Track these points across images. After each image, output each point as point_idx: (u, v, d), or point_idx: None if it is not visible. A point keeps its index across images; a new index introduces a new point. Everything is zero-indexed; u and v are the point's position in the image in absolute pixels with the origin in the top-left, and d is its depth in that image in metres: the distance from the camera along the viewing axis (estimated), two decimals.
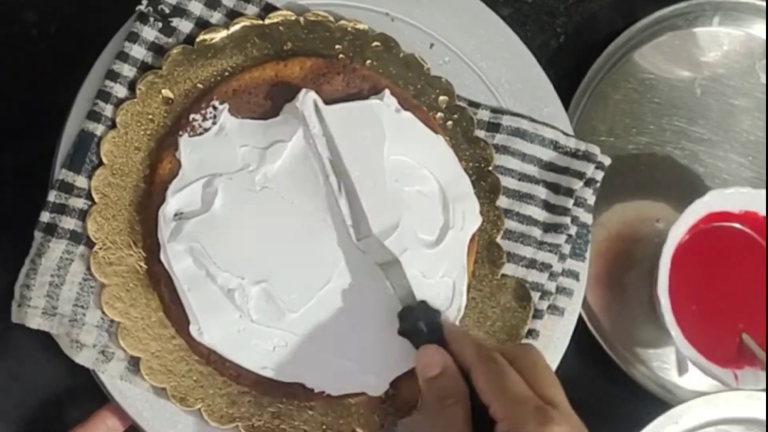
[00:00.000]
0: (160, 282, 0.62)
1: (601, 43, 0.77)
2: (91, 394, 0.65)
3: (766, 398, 0.70)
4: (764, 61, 0.80)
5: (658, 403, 0.73)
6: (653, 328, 0.74)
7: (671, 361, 0.76)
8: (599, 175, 0.70)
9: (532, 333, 0.68)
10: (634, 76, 0.79)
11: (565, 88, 0.74)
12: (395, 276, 0.61)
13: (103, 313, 0.62)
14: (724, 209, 0.74)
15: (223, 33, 0.65)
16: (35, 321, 0.61)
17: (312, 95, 0.62)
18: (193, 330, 0.61)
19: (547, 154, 0.70)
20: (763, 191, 0.73)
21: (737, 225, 0.75)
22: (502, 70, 0.71)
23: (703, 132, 0.79)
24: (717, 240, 0.75)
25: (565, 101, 0.73)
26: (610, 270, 0.76)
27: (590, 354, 0.73)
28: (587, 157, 0.69)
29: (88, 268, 0.62)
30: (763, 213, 0.74)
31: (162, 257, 0.61)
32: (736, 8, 0.80)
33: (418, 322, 0.61)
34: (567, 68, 0.77)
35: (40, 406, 0.67)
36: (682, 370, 0.76)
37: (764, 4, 0.80)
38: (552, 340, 0.69)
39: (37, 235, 0.62)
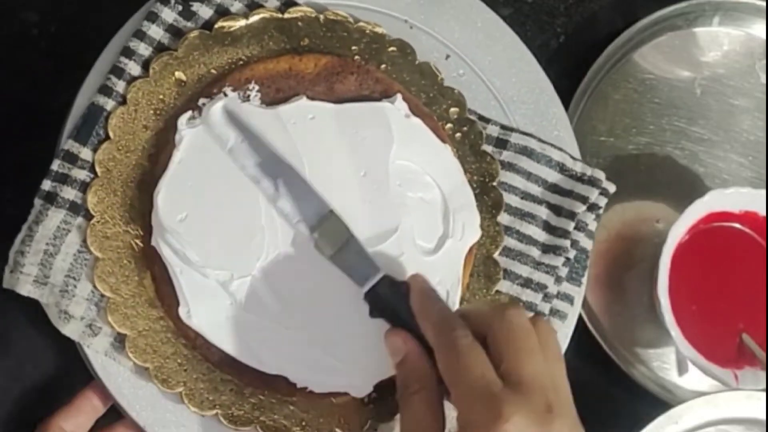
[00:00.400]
0: (154, 261, 0.62)
1: (601, 43, 0.77)
2: None
3: (766, 398, 0.70)
4: (764, 61, 0.80)
5: (658, 403, 0.73)
6: (653, 328, 0.75)
7: (671, 361, 0.76)
8: (602, 201, 0.70)
9: None
10: (634, 76, 0.79)
11: (565, 88, 0.74)
12: (352, 254, 0.60)
13: (94, 286, 0.61)
14: (724, 209, 0.74)
15: (242, 22, 0.65)
16: (26, 288, 0.61)
17: (218, 106, 0.62)
18: (182, 312, 0.61)
19: (553, 176, 0.70)
20: (763, 191, 0.73)
21: (737, 225, 0.75)
22: (516, 89, 0.71)
23: (703, 132, 0.79)
24: (717, 240, 0.75)
25: (565, 101, 0.73)
26: (610, 270, 0.76)
27: (590, 354, 0.73)
28: (592, 182, 0.69)
29: (84, 240, 0.62)
30: (763, 213, 0.74)
31: (153, 242, 0.62)
32: (736, 8, 0.80)
33: (388, 302, 0.59)
34: (567, 68, 0.77)
35: (40, 406, 0.67)
36: (682, 370, 0.76)
37: (764, 4, 0.80)
38: None
39: (37, 202, 0.62)
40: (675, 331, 0.71)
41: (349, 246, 0.60)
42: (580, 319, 0.70)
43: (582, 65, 0.76)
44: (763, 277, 0.75)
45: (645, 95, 0.79)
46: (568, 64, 0.77)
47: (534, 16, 0.78)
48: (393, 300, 0.59)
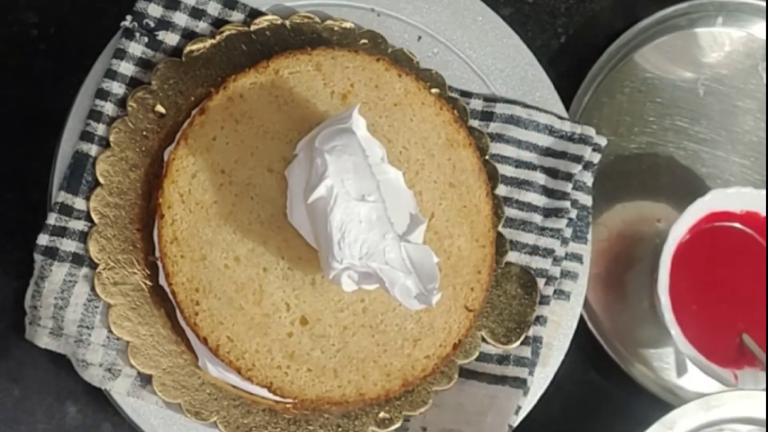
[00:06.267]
0: (166, 298, 0.62)
1: (602, 44, 0.77)
2: (91, 395, 0.66)
3: (766, 398, 0.70)
4: (765, 62, 0.80)
5: (659, 403, 0.73)
6: (654, 327, 0.74)
7: (672, 362, 0.76)
8: (597, 158, 0.70)
9: (539, 319, 0.68)
10: (636, 76, 0.79)
11: (567, 88, 0.74)
12: None
13: (110, 332, 0.62)
14: (725, 209, 0.74)
15: (210, 43, 0.65)
16: (43, 340, 0.62)
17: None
18: (201, 364, 0.62)
19: (543, 140, 0.70)
20: (764, 191, 0.73)
21: (738, 225, 0.75)
22: (492, 58, 0.71)
23: (705, 132, 0.79)
24: (718, 240, 0.74)
25: (567, 101, 0.73)
26: (611, 269, 0.76)
27: (590, 354, 0.73)
28: (583, 140, 0.70)
29: (92, 289, 0.62)
30: (764, 213, 0.73)
31: (161, 281, 0.62)
32: (738, 9, 0.80)
33: None
34: (568, 68, 0.76)
35: (40, 407, 0.67)
36: (681, 370, 0.76)
37: (764, 4, 0.79)
38: (560, 326, 0.69)
39: (38, 258, 0.62)
40: (675, 330, 0.71)
41: None
42: (580, 319, 0.70)
43: (583, 65, 0.76)
44: (764, 277, 0.74)
45: (647, 95, 0.79)
46: (570, 64, 0.77)
47: (535, 17, 0.78)
48: None
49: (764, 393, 0.70)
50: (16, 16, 0.71)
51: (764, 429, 0.70)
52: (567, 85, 0.74)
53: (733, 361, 0.73)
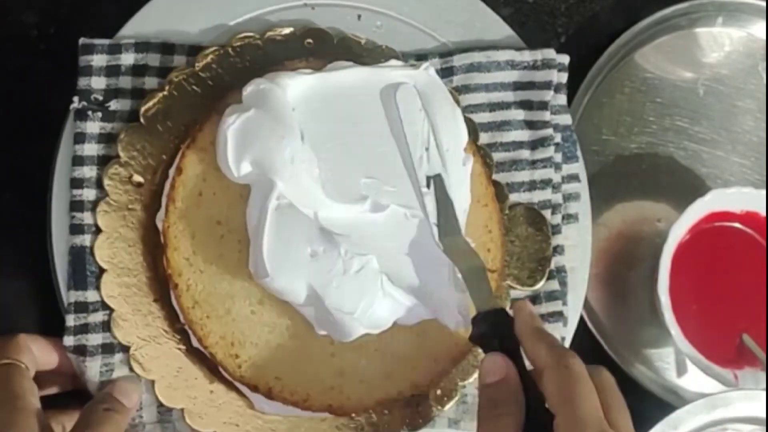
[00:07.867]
0: (203, 356, 0.62)
1: (602, 44, 0.77)
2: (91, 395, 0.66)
3: (766, 398, 0.70)
4: (765, 62, 0.80)
5: (660, 403, 0.73)
6: (654, 327, 0.74)
7: (672, 362, 0.76)
8: (564, 77, 0.71)
9: (557, 249, 0.69)
10: (636, 76, 0.79)
11: (567, 88, 0.74)
12: (476, 282, 0.58)
13: (161, 405, 0.62)
14: (726, 209, 0.74)
15: (161, 95, 0.64)
16: None
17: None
18: (257, 408, 0.63)
19: (508, 76, 0.70)
20: (764, 191, 0.73)
21: (738, 225, 0.75)
22: (435, 11, 0.70)
23: (705, 132, 0.79)
24: (718, 240, 0.74)
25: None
26: (611, 269, 0.76)
27: (590, 354, 0.73)
28: (547, 64, 0.70)
29: (131, 371, 0.62)
30: (764, 213, 0.73)
31: (194, 344, 0.62)
32: (738, 9, 0.80)
33: (491, 332, 0.57)
34: (568, 68, 0.76)
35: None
36: (681, 371, 0.76)
37: (764, 4, 0.79)
38: (576, 250, 0.70)
39: (71, 356, 0.62)
40: (675, 330, 0.71)
41: (474, 273, 0.59)
42: (580, 319, 0.70)
43: (583, 65, 0.76)
44: (764, 277, 0.74)
45: (647, 95, 0.79)
46: (570, 64, 0.76)
47: (535, 16, 0.77)
48: (500, 327, 0.57)
49: (764, 393, 0.70)
50: (16, 16, 0.71)
51: (765, 429, 0.70)
52: (567, 85, 0.74)
53: (733, 361, 0.73)
